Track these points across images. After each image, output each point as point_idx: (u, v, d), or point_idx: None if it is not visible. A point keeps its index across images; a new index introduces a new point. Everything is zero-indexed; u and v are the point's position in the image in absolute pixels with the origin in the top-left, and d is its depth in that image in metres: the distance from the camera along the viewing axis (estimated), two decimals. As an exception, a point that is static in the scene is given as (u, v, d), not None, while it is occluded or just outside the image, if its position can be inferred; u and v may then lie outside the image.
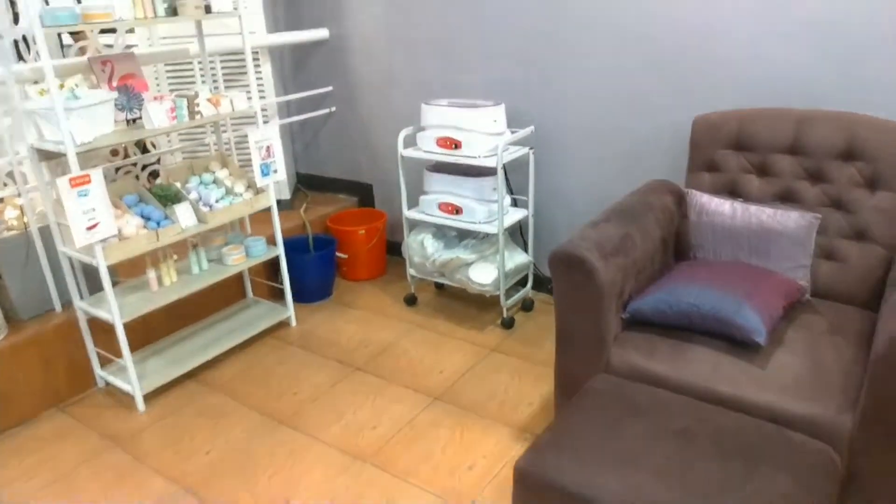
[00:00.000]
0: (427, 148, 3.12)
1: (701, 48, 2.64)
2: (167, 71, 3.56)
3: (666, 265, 2.43)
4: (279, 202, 3.89)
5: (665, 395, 1.83)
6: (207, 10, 2.71)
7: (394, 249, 4.04)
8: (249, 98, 2.94)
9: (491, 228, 3.03)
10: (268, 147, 3.01)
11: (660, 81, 2.78)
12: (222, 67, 3.60)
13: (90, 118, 2.43)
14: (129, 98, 2.65)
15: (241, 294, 3.51)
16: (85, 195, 2.38)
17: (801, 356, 1.90)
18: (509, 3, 3.08)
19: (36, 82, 2.67)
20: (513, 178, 3.36)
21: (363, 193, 4.15)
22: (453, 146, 3.02)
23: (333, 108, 4.04)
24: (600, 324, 2.04)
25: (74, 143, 2.32)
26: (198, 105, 2.72)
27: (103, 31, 3.66)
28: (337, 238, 3.75)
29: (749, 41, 2.53)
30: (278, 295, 3.60)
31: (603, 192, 3.12)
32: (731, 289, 1.99)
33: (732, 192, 2.46)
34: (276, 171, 3.07)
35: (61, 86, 2.50)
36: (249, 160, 3.59)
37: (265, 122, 3.65)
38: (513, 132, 3.11)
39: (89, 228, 2.41)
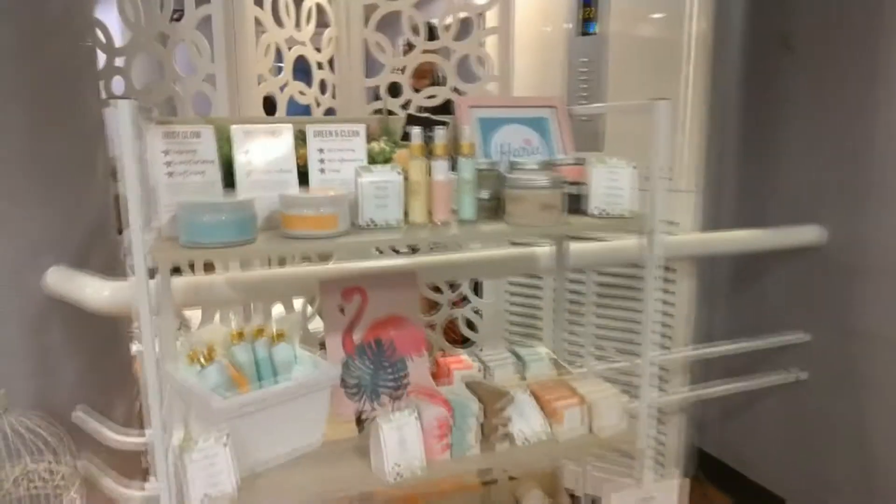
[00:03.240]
0: None
1: None
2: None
3: None
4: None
5: None
6: (580, 210, 1.16)
7: None
8: (631, 398, 1.27)
9: None
10: (651, 523, 1.25)
11: None
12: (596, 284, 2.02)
13: (272, 421, 1.08)
14: (376, 372, 1.24)
15: None
16: None
17: None
18: None
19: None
20: None
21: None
22: None
23: (803, 375, 2.06)
24: None
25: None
26: (506, 421, 1.15)
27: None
28: None
29: None
30: None
31: None
32: None
33: None
34: (657, 576, 1.29)
35: (259, 332, 1.22)
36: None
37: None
38: None
39: None
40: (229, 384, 1.11)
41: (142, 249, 0.85)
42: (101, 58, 1.60)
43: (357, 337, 1.26)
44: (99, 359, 1.56)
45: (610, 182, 1.13)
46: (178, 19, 1.55)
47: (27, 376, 1.45)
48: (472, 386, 1.20)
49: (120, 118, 0.82)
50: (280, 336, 1.21)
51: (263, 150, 1.08)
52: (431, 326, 2.00)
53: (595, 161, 1.16)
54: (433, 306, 2.12)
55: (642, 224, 1.16)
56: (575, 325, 2.00)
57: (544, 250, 1.63)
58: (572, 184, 1.16)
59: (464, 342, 2.23)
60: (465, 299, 2.18)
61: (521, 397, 1.20)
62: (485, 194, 1.15)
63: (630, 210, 1.16)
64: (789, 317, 2.09)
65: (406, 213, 1.09)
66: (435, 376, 1.31)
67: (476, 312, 2.15)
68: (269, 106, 2.00)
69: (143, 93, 1.56)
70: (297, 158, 1.10)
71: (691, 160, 1.91)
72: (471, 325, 2.14)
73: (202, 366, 1.08)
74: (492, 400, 1.15)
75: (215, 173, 1.04)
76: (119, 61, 1.61)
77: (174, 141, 0.99)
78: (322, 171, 1.11)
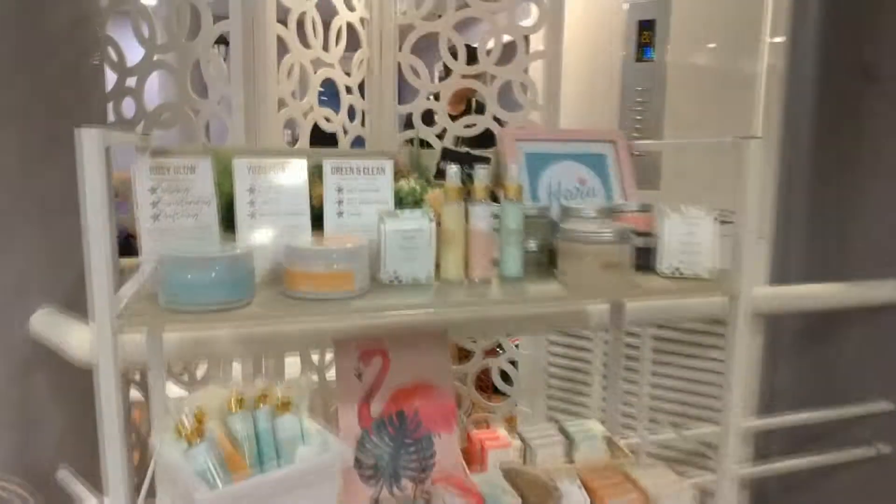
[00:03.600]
0: None
1: None
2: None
3: None
4: None
5: None
6: (646, 266, 0.97)
7: None
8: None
9: None
10: None
11: None
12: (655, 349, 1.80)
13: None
14: (397, 451, 1.05)
15: None
16: None
17: None
18: None
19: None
20: None
21: None
22: None
23: (885, 449, 1.80)
24: None
25: None
26: (551, 521, 0.94)
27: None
28: None
29: None
30: None
31: None
32: None
33: None
34: None
35: (261, 397, 1.03)
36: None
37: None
38: None
39: None
40: (222, 464, 0.93)
41: (108, 313, 0.68)
42: (112, 78, 1.47)
43: (376, 408, 1.07)
44: (88, 410, 1.39)
45: (686, 235, 0.94)
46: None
47: (6, 428, 1.29)
48: (510, 475, 1.00)
49: (85, 149, 0.66)
50: (285, 405, 1.03)
51: (271, 188, 0.91)
52: (461, 380, 1.80)
53: (667, 209, 0.96)
54: (465, 355, 1.92)
55: (726, 286, 0.95)
56: (628, 381, 1.78)
57: (596, 306, 1.42)
58: (638, 234, 0.96)
59: (495, 392, 2.02)
60: (499, 346, 1.98)
61: (570, 489, 0.99)
62: (532, 244, 0.96)
63: (709, 269, 0.95)
64: (869, 382, 1.83)
65: (437, 266, 0.91)
66: (466, 455, 1.11)
67: (512, 363, 1.94)
68: (321, 135, 1.81)
69: (153, 116, 1.42)
70: (311, 199, 0.94)
71: (761, 204, 1.70)
72: (505, 377, 1.93)
73: (189, 443, 0.90)
74: (535, 495, 0.95)
75: (211, 215, 0.87)
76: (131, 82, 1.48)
77: (164, 176, 0.83)
78: (340, 213, 0.94)
